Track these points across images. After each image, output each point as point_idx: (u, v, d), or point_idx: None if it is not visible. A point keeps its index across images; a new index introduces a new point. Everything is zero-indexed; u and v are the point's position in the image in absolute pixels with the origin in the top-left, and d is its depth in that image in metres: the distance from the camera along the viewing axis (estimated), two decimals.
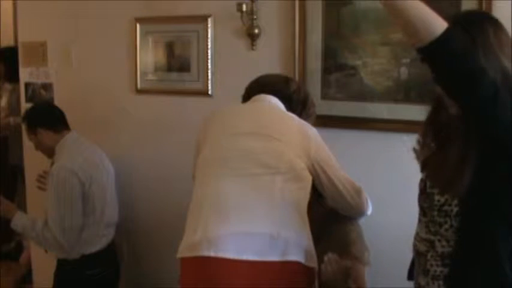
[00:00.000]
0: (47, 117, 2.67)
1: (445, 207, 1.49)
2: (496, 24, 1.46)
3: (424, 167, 1.60)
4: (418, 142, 1.61)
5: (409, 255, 1.64)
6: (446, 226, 1.49)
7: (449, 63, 1.29)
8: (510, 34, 1.47)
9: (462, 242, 1.45)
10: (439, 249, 1.51)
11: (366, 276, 1.95)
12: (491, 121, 1.34)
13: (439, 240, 1.51)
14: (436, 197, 1.51)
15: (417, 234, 1.59)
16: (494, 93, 1.29)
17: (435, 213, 1.51)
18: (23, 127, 2.82)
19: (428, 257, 1.53)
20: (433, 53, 1.30)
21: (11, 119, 4.22)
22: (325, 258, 1.76)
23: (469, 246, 1.44)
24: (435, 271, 1.52)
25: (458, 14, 1.54)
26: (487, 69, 1.29)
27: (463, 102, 1.36)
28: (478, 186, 1.40)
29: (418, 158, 1.62)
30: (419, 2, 1.30)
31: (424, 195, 1.56)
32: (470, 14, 1.55)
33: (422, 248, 1.55)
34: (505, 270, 1.39)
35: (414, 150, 1.63)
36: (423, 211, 1.57)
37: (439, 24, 1.29)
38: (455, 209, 1.46)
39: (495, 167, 1.39)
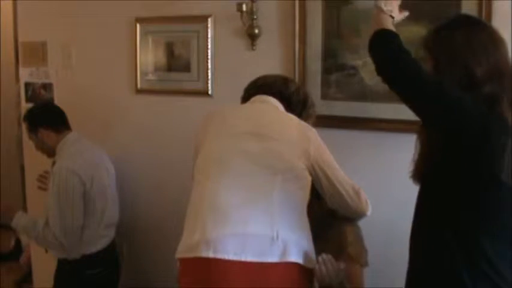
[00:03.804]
0: (48, 117, 2.67)
1: None
2: (470, 27, 1.48)
3: None
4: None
5: (407, 256, 1.64)
6: None
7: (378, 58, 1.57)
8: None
9: (416, 241, 1.57)
10: None
11: (364, 277, 1.95)
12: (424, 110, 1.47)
13: None
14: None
15: None
16: (435, 91, 1.41)
17: None
18: (24, 127, 2.82)
19: None
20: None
21: None
22: (319, 258, 1.75)
23: (418, 246, 1.55)
24: None
25: (437, 25, 1.57)
26: (422, 67, 1.46)
27: (407, 103, 1.49)
28: (434, 186, 1.50)
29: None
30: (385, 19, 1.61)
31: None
32: (443, 24, 1.56)
33: None
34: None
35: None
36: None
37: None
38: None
39: (449, 168, 1.46)
